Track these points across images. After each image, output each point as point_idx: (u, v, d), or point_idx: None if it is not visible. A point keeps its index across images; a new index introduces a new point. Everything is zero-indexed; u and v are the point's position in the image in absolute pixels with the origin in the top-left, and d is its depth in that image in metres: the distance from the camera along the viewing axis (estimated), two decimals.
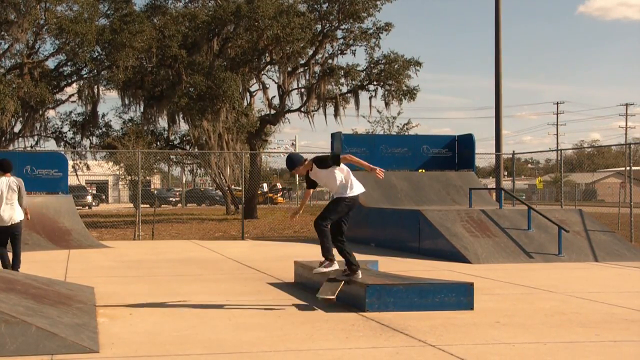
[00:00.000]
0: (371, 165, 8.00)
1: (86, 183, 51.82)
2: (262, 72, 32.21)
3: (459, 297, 7.98)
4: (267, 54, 30.06)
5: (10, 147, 28.48)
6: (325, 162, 8.07)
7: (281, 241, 19.45)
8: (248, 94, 33.60)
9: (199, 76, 27.17)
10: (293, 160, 8.22)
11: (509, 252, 13.70)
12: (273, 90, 45.31)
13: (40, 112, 28.65)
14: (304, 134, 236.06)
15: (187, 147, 32.89)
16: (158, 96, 28.88)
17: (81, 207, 41.31)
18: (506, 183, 31.20)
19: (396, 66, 30.51)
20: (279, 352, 5.97)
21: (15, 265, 10.54)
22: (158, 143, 31.08)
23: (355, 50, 32.00)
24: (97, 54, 28.33)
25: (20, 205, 10.65)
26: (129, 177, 23.03)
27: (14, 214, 10.54)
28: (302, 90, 32.34)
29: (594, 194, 72.32)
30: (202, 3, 31.95)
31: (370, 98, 32.12)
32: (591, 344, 6.37)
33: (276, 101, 32.81)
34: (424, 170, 20.49)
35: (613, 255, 13.93)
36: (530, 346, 6.23)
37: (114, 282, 10.52)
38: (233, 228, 24.95)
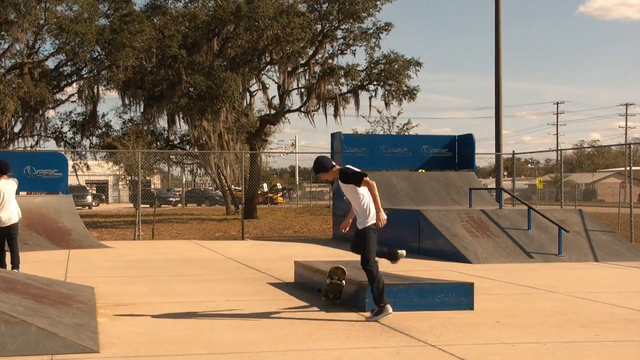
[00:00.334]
0: (381, 208, 7.40)
1: (86, 183, 51.82)
2: (262, 72, 32.22)
3: (459, 297, 7.98)
4: (267, 54, 30.06)
5: (10, 147, 28.49)
6: (347, 177, 7.49)
7: (281, 241, 19.45)
8: (248, 94, 33.61)
9: (199, 76, 27.17)
10: (323, 165, 7.67)
11: (509, 252, 13.70)
12: (273, 90, 45.39)
13: (40, 112, 28.66)
14: (304, 134, 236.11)
15: (187, 147, 32.90)
16: (158, 96, 28.88)
17: (81, 207, 41.31)
18: (506, 183, 31.19)
19: (396, 66, 30.51)
20: (279, 352, 5.97)
21: (16, 263, 10.58)
22: (158, 143, 31.08)
23: (355, 50, 32.07)
24: (97, 53, 28.34)
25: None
26: (129, 177, 23.02)
27: (12, 215, 10.69)
28: (302, 90, 32.35)
29: (594, 194, 72.35)
30: (202, 3, 31.95)
31: (370, 98, 32.17)
32: (591, 344, 6.37)
33: (276, 101, 32.85)
34: (424, 170, 20.49)
35: (613, 255, 13.93)
36: (530, 346, 6.23)
37: (114, 282, 10.52)
38: (233, 228, 24.95)
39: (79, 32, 25.59)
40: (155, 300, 8.62)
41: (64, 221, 17.58)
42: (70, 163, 29.01)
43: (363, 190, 7.44)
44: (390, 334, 6.71)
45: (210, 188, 67.28)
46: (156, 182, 66.60)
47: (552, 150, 62.04)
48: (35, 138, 30.28)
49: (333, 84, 31.70)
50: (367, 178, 7.39)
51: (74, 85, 30.21)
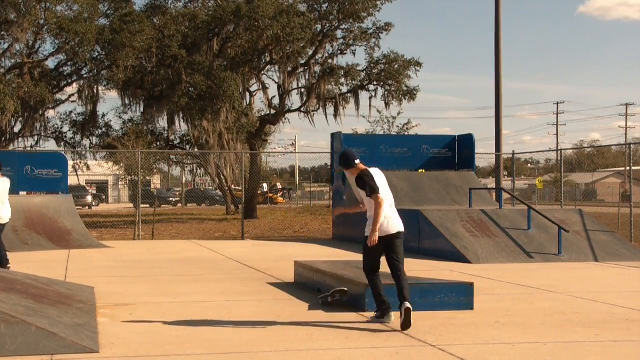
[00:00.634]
0: (377, 230, 7.10)
1: (86, 183, 51.83)
2: (262, 72, 32.22)
3: (459, 297, 7.99)
4: (267, 54, 30.06)
5: (10, 147, 28.49)
6: (361, 185, 7.34)
7: (281, 241, 19.45)
8: (248, 94, 33.60)
9: (199, 76, 27.17)
10: (348, 161, 7.55)
11: (509, 252, 13.70)
12: (273, 90, 45.34)
13: (40, 112, 28.65)
14: (304, 134, 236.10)
15: (187, 147, 32.90)
16: (158, 96, 28.87)
17: (81, 207, 41.31)
18: (506, 183, 31.19)
19: (396, 66, 30.52)
20: (279, 352, 5.97)
21: (5, 263, 10.71)
22: (158, 143, 31.07)
23: (355, 50, 32.07)
24: (97, 53, 28.33)
25: None
26: (129, 177, 23.03)
27: (5, 213, 10.88)
28: (302, 90, 32.36)
29: (594, 194, 72.34)
30: (202, 3, 31.94)
31: (370, 98, 32.17)
32: (591, 344, 6.37)
33: (276, 101, 32.85)
34: (424, 170, 20.49)
35: (613, 255, 13.93)
36: (531, 346, 6.23)
37: (114, 282, 10.52)
38: (233, 228, 24.95)
39: (79, 32, 25.59)
40: (155, 300, 8.62)
41: (64, 221, 17.58)
42: (70, 163, 29.02)
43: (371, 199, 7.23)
44: (390, 334, 6.71)
45: (210, 188, 67.26)
46: (156, 182, 66.59)
47: (552, 150, 62.12)
48: (35, 138, 30.30)
49: (333, 84, 31.70)
50: (379, 197, 7.18)
51: (74, 85, 30.22)
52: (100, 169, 31.31)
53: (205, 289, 9.78)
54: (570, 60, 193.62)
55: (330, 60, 31.80)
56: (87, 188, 51.78)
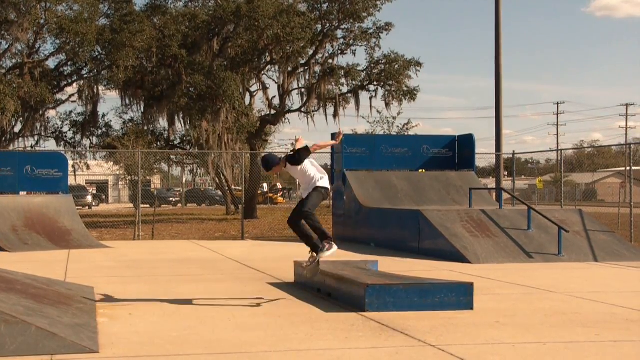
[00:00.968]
0: (335, 140, 8.84)
1: (86, 183, 51.83)
2: (262, 72, 32.23)
3: (459, 297, 7.98)
4: (267, 54, 30.07)
5: (11, 147, 28.50)
6: (297, 157, 8.30)
7: (281, 241, 19.45)
8: (248, 94, 33.63)
9: (199, 76, 27.18)
10: (268, 162, 8.52)
11: (509, 252, 13.69)
12: (273, 90, 45.32)
13: (41, 112, 28.68)
14: (304, 134, 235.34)
15: (187, 147, 32.91)
16: (158, 96, 28.88)
17: (81, 207, 41.31)
18: (506, 183, 31.19)
19: (396, 66, 30.53)
20: (279, 352, 5.97)
21: None
22: (158, 143, 31.09)
23: (355, 50, 32.09)
24: (97, 53, 28.35)
25: None
26: (129, 177, 23.03)
27: None
28: (302, 90, 32.36)
29: (594, 194, 72.34)
30: (202, 3, 31.95)
31: (370, 98, 32.17)
32: (591, 344, 6.36)
33: (276, 101, 32.85)
34: (424, 170, 20.48)
35: (613, 255, 13.92)
36: (531, 346, 6.23)
37: (114, 282, 10.52)
38: (233, 228, 24.95)
39: (79, 32, 25.60)
40: (155, 300, 8.62)
41: (64, 221, 17.58)
42: (70, 163, 29.03)
43: (311, 163, 8.38)
44: (390, 334, 6.71)
45: (211, 188, 67.31)
46: (156, 182, 66.59)
47: (552, 150, 62.10)
48: (36, 138, 30.33)
49: (333, 84, 31.71)
50: (309, 145, 8.36)
51: (74, 85, 30.24)
52: (100, 169, 31.34)
53: (205, 289, 9.78)
54: (570, 60, 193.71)
55: (330, 60, 31.82)
56: (87, 188, 51.79)
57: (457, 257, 13.46)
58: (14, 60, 28.88)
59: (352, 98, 32.13)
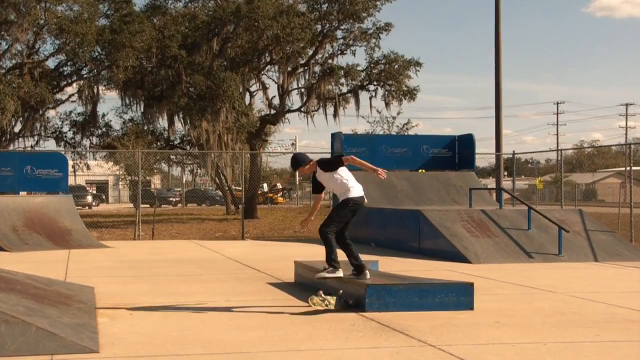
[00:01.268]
0: (373, 167, 7.96)
1: (86, 183, 51.84)
2: (262, 72, 32.25)
3: (459, 297, 7.98)
4: (267, 54, 30.08)
5: (11, 147, 28.50)
6: (329, 164, 8.15)
7: (281, 241, 19.45)
8: (248, 94, 33.63)
9: (199, 76, 27.18)
10: (298, 160, 8.38)
11: (509, 252, 13.70)
12: (273, 90, 45.31)
13: (41, 112, 28.68)
14: (304, 134, 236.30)
15: (187, 147, 32.92)
16: (158, 96, 28.89)
17: (81, 207, 41.32)
18: (506, 183, 31.20)
19: (396, 66, 30.54)
20: (279, 352, 5.97)
21: None
22: (158, 143, 31.10)
23: (355, 50, 32.08)
24: (97, 54, 28.35)
25: None
26: (129, 177, 23.03)
27: None
28: (302, 90, 32.37)
29: (594, 194, 72.34)
30: (202, 3, 31.96)
31: (370, 98, 32.18)
32: (591, 344, 6.36)
33: (276, 101, 32.87)
34: (424, 170, 20.49)
35: (613, 255, 13.92)
36: (531, 346, 6.23)
37: (114, 282, 10.52)
38: (233, 228, 24.95)
39: (79, 32, 25.61)
40: (155, 300, 8.62)
41: (64, 221, 17.58)
42: (70, 163, 29.04)
43: (342, 171, 8.13)
44: (390, 334, 6.71)
45: (211, 188, 67.29)
46: (156, 182, 66.60)
47: (552, 150, 62.12)
48: (36, 138, 30.33)
49: (333, 84, 31.72)
50: (346, 157, 8.14)
51: (74, 85, 30.26)
52: (100, 169, 31.33)
53: (205, 289, 9.78)
54: (570, 60, 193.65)
55: (330, 60, 31.82)
56: (87, 188, 51.80)
57: (457, 257, 13.46)
58: (13, 61, 28.92)
59: (352, 98, 32.16)
